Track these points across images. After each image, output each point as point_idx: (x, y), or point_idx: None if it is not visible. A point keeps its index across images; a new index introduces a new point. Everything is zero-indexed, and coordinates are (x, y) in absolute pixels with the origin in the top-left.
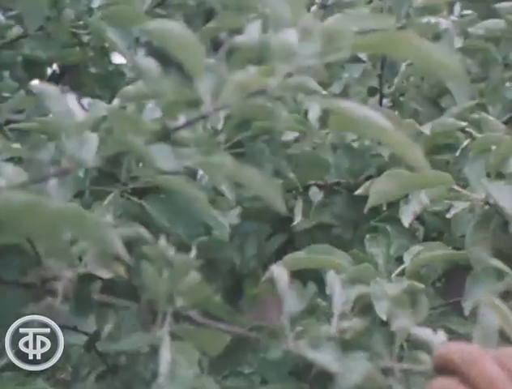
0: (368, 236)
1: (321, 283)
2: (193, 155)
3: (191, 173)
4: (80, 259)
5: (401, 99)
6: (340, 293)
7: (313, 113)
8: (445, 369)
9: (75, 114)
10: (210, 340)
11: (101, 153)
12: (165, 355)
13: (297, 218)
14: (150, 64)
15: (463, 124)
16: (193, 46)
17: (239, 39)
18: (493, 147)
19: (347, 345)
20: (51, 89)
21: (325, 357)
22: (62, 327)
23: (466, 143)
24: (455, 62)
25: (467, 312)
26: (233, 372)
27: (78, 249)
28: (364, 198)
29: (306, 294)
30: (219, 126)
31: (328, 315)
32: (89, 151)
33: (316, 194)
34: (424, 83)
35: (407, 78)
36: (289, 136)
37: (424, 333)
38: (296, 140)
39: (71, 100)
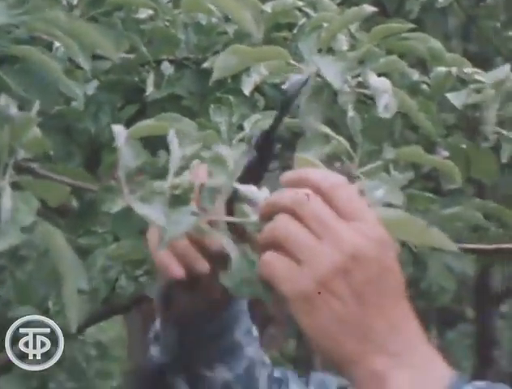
0: (212, 106)
1: None
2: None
3: (47, 45)
4: None
5: None
6: (177, 150)
7: None
8: (271, 215)
9: None
10: (50, 191)
11: None
12: (6, 203)
13: (149, 89)
14: None
15: (301, 4)
16: None
17: None
18: (325, 25)
19: (176, 200)
20: None
21: (153, 211)
22: None
23: (302, 21)
24: None
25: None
26: (87, 231)
27: None
28: (211, 73)
29: (144, 152)
30: (75, 2)
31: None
32: None
33: (167, 68)
34: None
35: None
36: (143, 14)
37: (249, 190)
38: (151, 18)
39: None
